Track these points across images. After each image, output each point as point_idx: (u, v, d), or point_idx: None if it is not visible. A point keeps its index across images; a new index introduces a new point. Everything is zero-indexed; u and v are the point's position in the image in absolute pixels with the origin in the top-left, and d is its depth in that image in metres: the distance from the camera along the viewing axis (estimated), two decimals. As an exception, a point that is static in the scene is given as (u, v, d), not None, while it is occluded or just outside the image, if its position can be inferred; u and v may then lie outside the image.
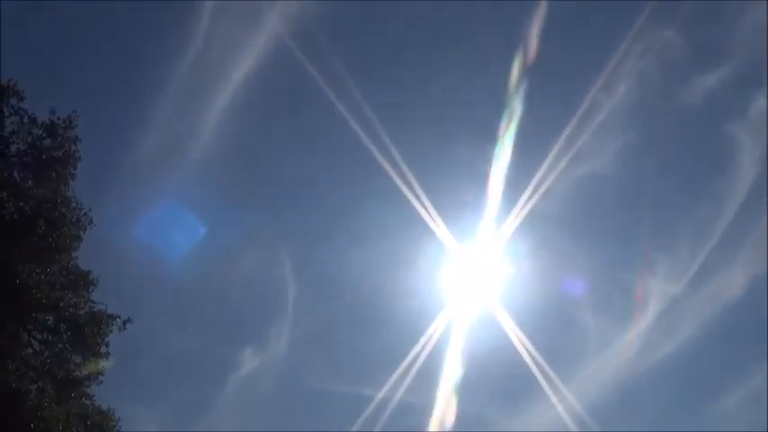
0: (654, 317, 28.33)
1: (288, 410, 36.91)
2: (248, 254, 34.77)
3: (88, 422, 18.92)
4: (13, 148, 18.74)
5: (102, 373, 19.10)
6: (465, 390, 26.65)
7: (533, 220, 22.91)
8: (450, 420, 25.14)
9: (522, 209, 21.93)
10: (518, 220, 22.04)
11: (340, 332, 36.60)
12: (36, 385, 19.07)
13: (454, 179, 27.21)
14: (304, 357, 35.34)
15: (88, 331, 18.63)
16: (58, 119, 18.51)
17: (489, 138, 23.71)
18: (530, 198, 21.81)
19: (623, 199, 31.31)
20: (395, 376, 24.03)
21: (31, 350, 19.14)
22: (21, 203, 18.55)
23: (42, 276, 18.39)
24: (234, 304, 36.69)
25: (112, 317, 18.85)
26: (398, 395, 24.72)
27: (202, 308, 37.50)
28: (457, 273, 23.86)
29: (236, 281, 35.81)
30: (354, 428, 25.05)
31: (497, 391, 31.45)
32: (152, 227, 27.16)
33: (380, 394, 25.39)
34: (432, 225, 21.30)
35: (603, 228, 31.79)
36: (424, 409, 27.24)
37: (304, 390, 35.70)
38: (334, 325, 36.30)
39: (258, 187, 34.04)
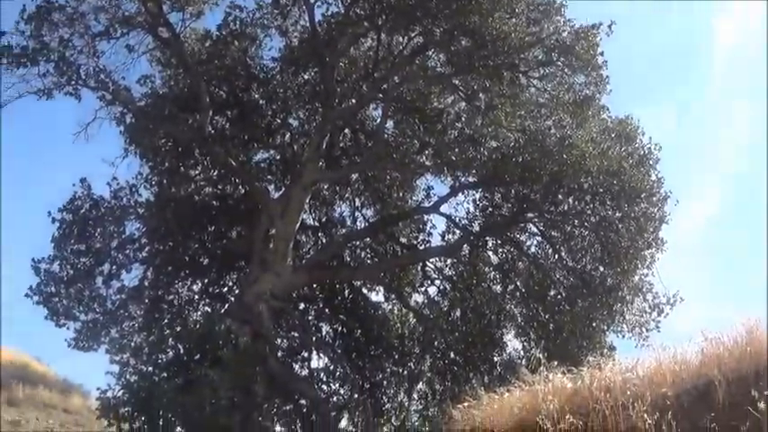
0: None
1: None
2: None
3: (612, 134, 24.95)
4: None
5: (607, 83, 25.19)
6: None
7: None
8: None
9: None
10: None
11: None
12: (551, 120, 25.71)
13: None
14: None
15: (579, 49, 24.56)
16: None
17: None
18: None
19: None
20: None
21: (533, 89, 26.00)
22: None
23: (512, 20, 25.49)
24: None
25: (595, 26, 24.32)
26: None
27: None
28: None
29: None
30: None
31: None
32: None
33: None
34: None
35: None
36: None
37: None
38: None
39: None
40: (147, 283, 26.37)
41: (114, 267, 25.69)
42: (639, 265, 24.94)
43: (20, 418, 41.25)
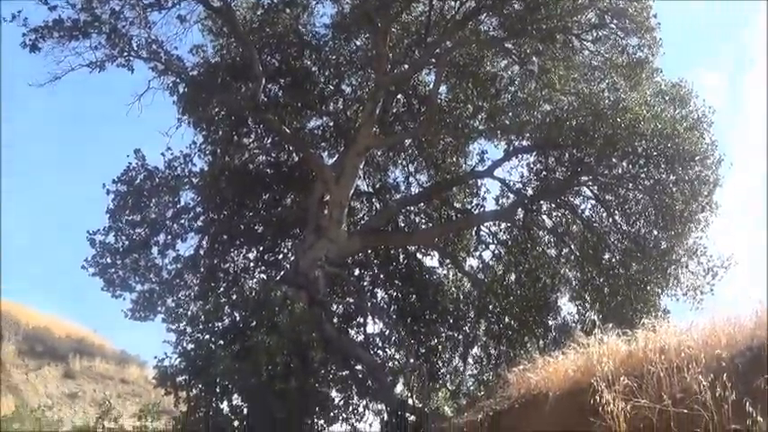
0: None
1: None
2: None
3: (666, 97, 25.11)
4: None
5: (660, 45, 24.94)
6: None
7: None
8: None
9: None
10: None
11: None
12: (605, 83, 25.69)
13: None
14: None
15: (632, 11, 24.03)
16: None
17: None
18: None
19: None
20: None
21: (587, 52, 25.61)
22: None
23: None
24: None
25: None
26: None
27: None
28: None
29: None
30: None
31: None
32: None
33: None
34: None
35: None
36: None
37: None
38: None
39: None
40: (202, 252, 26.88)
41: (169, 237, 26.28)
42: (693, 229, 25.08)
43: (77, 389, 42.72)
